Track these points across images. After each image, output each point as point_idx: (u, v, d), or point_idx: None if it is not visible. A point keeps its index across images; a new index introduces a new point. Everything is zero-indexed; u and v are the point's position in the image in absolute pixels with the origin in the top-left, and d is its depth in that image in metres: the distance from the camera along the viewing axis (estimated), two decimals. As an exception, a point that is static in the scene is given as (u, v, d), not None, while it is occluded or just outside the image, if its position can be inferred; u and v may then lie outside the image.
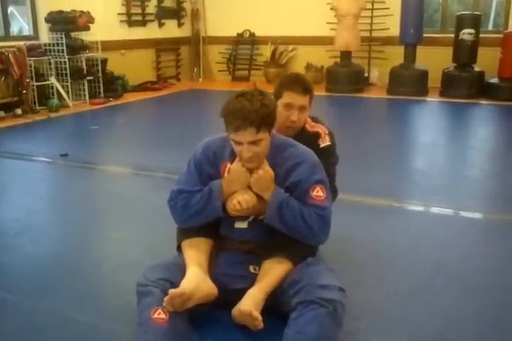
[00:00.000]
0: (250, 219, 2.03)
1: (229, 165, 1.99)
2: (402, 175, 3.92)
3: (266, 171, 1.93)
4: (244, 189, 1.95)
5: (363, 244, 2.64)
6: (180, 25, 9.16)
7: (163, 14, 8.72)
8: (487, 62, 7.04)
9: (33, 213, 3.18)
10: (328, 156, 2.29)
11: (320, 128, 2.39)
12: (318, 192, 1.96)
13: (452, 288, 2.23)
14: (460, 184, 3.74)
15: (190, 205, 1.99)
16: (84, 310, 2.06)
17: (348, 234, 2.70)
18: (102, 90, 7.19)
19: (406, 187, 3.66)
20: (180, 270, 1.90)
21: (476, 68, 7.16)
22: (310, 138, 2.30)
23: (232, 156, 1.98)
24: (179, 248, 2.07)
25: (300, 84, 2.27)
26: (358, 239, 2.68)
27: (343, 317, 1.78)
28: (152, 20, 8.55)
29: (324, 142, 2.35)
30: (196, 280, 1.82)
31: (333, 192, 2.19)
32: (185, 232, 2.06)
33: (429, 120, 6.39)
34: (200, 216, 2.00)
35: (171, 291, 1.72)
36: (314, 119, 2.44)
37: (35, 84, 6.39)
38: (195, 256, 1.94)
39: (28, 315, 2.04)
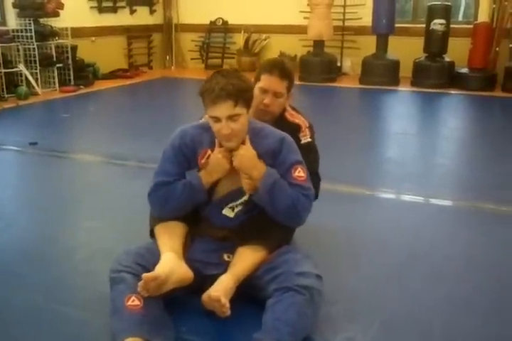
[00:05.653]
0: (238, 209, 2.01)
1: (209, 152, 1.96)
2: (374, 164, 3.96)
3: (246, 149, 1.90)
4: (224, 175, 1.94)
5: (336, 231, 2.67)
6: (152, 12, 9.01)
7: (135, 1, 8.55)
8: (457, 52, 7.12)
9: (3, 202, 3.12)
10: (308, 153, 2.25)
11: (300, 120, 2.36)
12: (300, 173, 1.96)
13: (423, 274, 2.27)
14: (430, 172, 3.80)
15: (172, 199, 1.96)
16: (55, 299, 2.04)
17: (320, 222, 2.71)
18: (72, 78, 7.06)
19: (377, 176, 3.70)
20: (154, 255, 1.88)
21: (447, 58, 7.24)
22: (289, 129, 2.25)
23: (212, 144, 1.95)
24: (152, 232, 2.05)
25: (278, 69, 2.23)
26: (330, 226, 2.70)
27: (320, 305, 1.80)
28: (123, 7, 8.39)
29: (305, 138, 2.32)
30: (171, 264, 1.81)
31: (315, 188, 2.13)
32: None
33: (400, 109, 6.45)
34: (185, 208, 1.99)
35: (145, 275, 1.71)
36: (294, 109, 2.41)
37: (3, 71, 6.24)
38: (170, 242, 1.93)
39: (-2, 305, 2.01)
